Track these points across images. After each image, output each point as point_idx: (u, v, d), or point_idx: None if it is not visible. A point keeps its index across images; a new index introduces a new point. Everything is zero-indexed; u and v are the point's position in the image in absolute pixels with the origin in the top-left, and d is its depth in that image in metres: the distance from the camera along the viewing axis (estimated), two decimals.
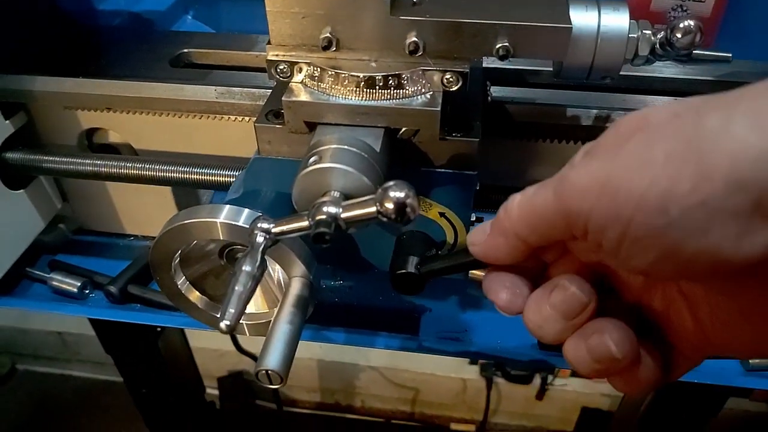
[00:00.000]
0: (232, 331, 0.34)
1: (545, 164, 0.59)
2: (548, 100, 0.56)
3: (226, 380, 1.90)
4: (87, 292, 0.65)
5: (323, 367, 1.86)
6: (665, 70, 0.60)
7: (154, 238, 0.72)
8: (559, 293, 0.34)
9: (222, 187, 0.59)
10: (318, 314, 0.48)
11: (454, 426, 1.91)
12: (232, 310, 0.35)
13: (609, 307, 0.34)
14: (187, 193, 0.69)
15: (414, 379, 1.84)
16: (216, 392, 1.87)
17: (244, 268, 0.37)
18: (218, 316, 0.50)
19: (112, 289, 0.62)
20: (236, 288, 0.36)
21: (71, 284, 0.64)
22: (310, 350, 1.83)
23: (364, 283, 0.63)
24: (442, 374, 1.81)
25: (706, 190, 0.25)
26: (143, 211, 0.70)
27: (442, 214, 0.50)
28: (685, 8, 0.67)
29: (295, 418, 1.94)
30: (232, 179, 0.58)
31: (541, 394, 1.80)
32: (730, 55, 0.49)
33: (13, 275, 0.65)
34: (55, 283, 0.65)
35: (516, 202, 0.34)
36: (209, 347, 1.80)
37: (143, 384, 1.37)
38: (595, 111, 0.54)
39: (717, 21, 0.68)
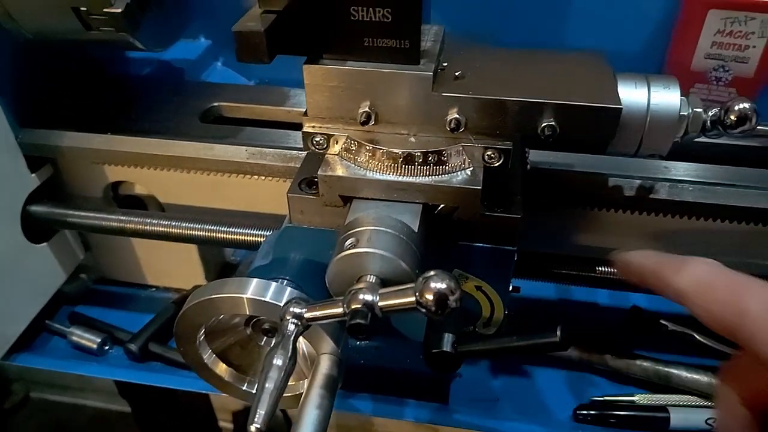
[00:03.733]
0: None
1: (585, 231, 0.56)
2: (588, 168, 0.54)
3: (241, 415, 1.86)
4: (107, 348, 0.64)
5: None
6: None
7: (177, 290, 0.72)
8: None
9: (250, 247, 0.57)
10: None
11: None
12: (262, 412, 0.33)
13: None
14: (210, 246, 0.68)
15: None
16: (230, 426, 1.84)
17: (274, 361, 0.34)
18: (244, 389, 0.49)
19: (133, 347, 0.61)
20: (266, 385, 0.34)
21: (91, 340, 0.63)
22: None
23: (390, 345, 0.61)
24: None
25: None
26: (166, 263, 0.68)
27: (478, 288, 0.48)
28: (727, 68, 0.65)
29: None
30: (260, 239, 0.57)
31: None
32: None
33: (33, 327, 0.64)
34: (74, 338, 0.63)
35: None
36: None
37: (153, 415, 1.35)
38: (638, 181, 0.52)
39: (760, 81, 0.66)
